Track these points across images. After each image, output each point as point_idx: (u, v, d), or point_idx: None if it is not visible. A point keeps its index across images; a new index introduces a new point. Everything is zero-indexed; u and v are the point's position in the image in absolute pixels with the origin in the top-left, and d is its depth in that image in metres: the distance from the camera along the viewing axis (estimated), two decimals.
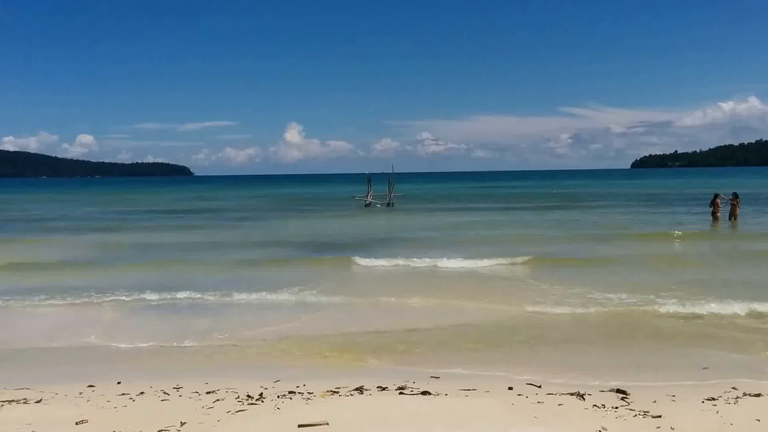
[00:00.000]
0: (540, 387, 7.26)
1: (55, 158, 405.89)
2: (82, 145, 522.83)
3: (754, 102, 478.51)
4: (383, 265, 17.15)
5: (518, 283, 14.49)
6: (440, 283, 14.69)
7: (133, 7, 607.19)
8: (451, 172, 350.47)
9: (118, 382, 7.84)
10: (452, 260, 17.21)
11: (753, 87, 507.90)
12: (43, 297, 13.57)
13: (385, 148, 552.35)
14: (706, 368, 8.34)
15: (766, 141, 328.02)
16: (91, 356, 9.28)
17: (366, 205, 45.26)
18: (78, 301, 13.24)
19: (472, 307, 12.13)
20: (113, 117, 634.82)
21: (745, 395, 6.86)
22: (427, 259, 17.52)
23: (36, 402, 6.94)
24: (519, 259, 17.09)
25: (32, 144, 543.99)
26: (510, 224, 29.49)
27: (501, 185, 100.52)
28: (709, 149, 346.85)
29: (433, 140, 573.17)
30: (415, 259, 17.58)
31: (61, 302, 13.19)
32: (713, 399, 6.69)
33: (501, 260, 17.14)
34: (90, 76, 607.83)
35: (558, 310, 11.68)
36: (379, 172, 61.46)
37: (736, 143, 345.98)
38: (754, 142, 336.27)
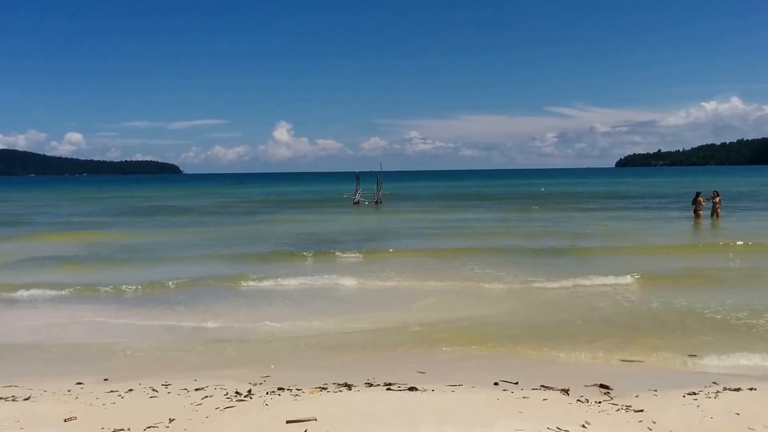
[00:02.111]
0: (517, 383, 7.35)
1: (44, 156, 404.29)
2: (70, 143, 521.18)
3: (736, 102, 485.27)
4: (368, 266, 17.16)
5: (506, 284, 14.62)
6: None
7: (122, 5, 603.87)
8: (439, 171, 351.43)
9: (105, 379, 7.84)
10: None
11: (735, 87, 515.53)
12: (30, 295, 13.51)
13: (373, 147, 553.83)
14: (693, 355, 8.56)
15: (747, 140, 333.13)
16: (80, 354, 9.27)
17: (354, 203, 45.44)
18: (65, 299, 13.21)
19: (459, 303, 12.21)
20: (102, 115, 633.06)
21: (725, 389, 6.99)
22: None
23: (24, 399, 6.94)
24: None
25: (21, 142, 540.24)
26: (505, 227, 29.17)
27: (489, 184, 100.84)
28: (692, 148, 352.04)
29: (421, 139, 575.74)
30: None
31: (49, 300, 13.15)
32: (694, 393, 6.81)
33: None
34: (78, 74, 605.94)
35: (544, 306, 11.80)
36: (368, 170, 61.73)
37: (717, 143, 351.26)
38: (735, 141, 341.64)
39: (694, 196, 29.33)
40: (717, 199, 28.35)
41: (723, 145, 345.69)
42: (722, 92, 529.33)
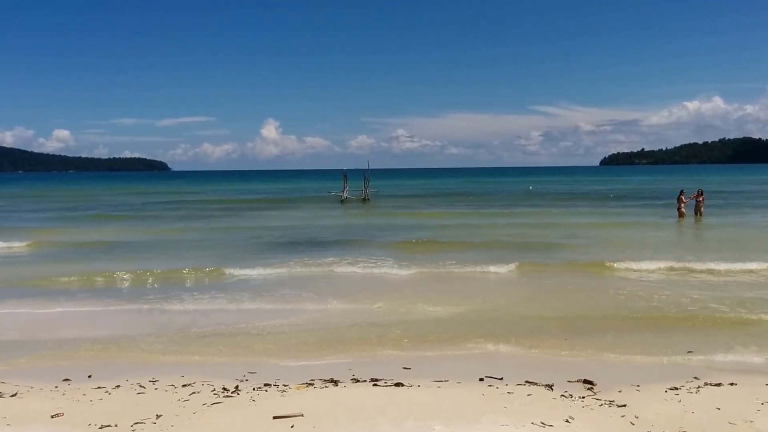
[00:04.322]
0: (501, 379, 7.42)
1: (32, 153, 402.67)
2: (58, 140, 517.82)
3: (718, 102, 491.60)
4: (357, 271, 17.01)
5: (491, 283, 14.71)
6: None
7: (110, 1, 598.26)
8: (426, 169, 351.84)
9: (89, 376, 7.83)
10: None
11: (717, 87, 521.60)
12: (16, 291, 13.45)
13: (360, 145, 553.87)
14: (690, 351, 8.71)
15: (728, 140, 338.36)
16: (67, 350, 9.23)
17: (342, 201, 45.64)
18: (52, 295, 13.14)
19: (445, 300, 12.29)
20: (89, 112, 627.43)
21: (707, 385, 7.12)
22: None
23: (11, 396, 6.93)
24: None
25: (8, 138, 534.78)
26: (494, 227, 29.18)
27: (477, 181, 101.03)
28: (675, 147, 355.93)
29: (408, 137, 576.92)
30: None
31: (35, 296, 13.07)
32: (676, 389, 6.94)
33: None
34: (66, 70, 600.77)
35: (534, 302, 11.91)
36: (355, 168, 61.85)
37: (700, 142, 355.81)
38: (717, 140, 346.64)
39: (678, 195, 29.72)
40: (700, 198, 28.74)
41: (705, 144, 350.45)
42: (704, 92, 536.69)
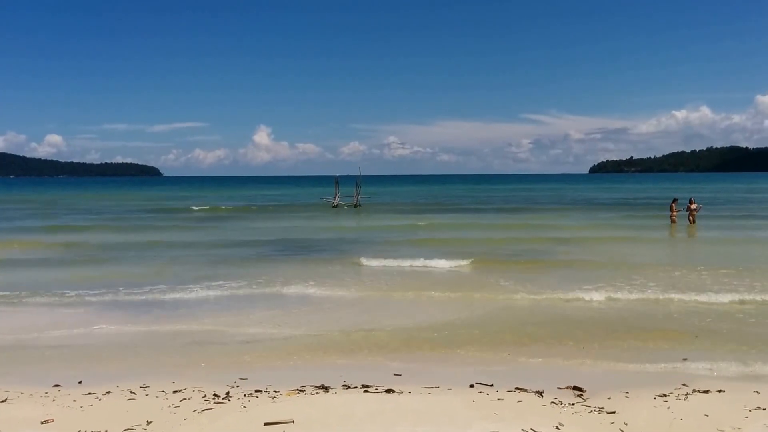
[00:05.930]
0: (492, 386, 7.43)
1: (24, 158, 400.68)
2: (50, 145, 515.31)
3: (705, 111, 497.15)
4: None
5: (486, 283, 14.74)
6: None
7: (102, 5, 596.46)
8: (417, 175, 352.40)
9: (79, 382, 7.82)
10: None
11: (705, 97, 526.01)
12: (6, 297, 13.35)
13: (352, 152, 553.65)
14: (685, 359, 8.77)
15: (715, 148, 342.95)
16: (57, 356, 9.19)
17: (333, 207, 45.79)
18: (43, 301, 13.08)
19: (436, 307, 12.32)
20: (82, 117, 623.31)
21: (695, 392, 7.17)
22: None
23: (1, 401, 6.91)
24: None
25: (0, 143, 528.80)
26: (486, 235, 29.24)
27: (468, 188, 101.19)
28: (663, 156, 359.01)
29: (400, 144, 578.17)
30: None
31: (26, 302, 13.00)
32: (665, 395, 6.98)
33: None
34: (58, 75, 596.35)
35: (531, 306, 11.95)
36: (347, 174, 61.97)
37: (687, 150, 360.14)
38: (704, 149, 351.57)
39: (670, 203, 30.37)
40: (693, 206, 29.14)
41: (693, 152, 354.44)
42: (692, 101, 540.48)
